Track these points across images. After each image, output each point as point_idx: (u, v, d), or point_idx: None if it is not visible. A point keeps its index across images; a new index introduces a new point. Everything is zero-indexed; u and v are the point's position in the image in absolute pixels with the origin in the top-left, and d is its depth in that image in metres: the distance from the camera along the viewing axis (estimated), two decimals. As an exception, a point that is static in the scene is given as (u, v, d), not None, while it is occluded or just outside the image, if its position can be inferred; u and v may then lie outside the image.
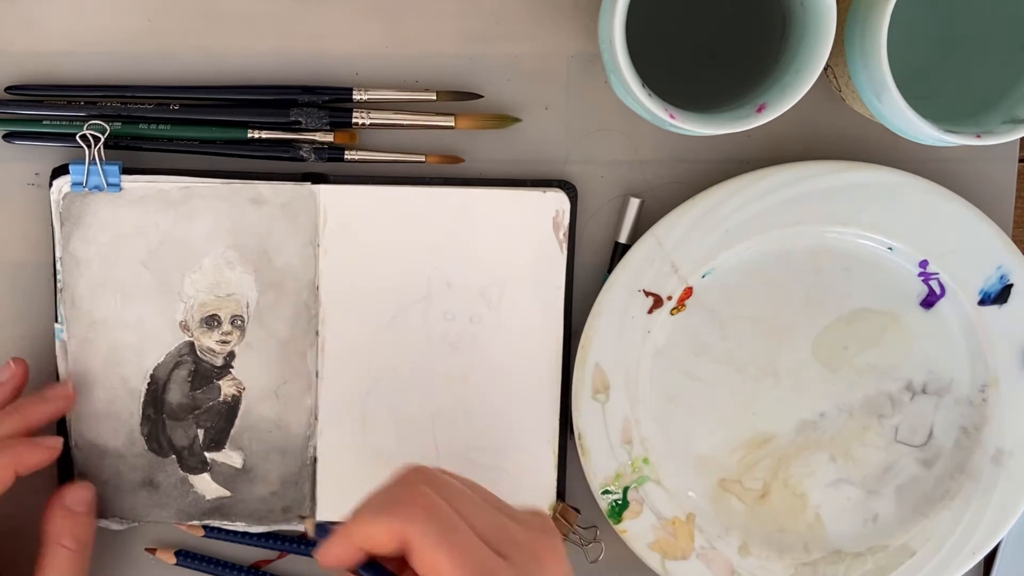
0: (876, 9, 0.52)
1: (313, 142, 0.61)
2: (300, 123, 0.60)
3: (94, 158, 0.59)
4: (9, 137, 0.61)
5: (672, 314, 0.62)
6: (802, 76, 0.53)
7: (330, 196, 0.61)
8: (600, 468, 0.62)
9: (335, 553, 0.47)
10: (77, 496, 0.59)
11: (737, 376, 0.63)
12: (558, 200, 0.62)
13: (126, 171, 0.60)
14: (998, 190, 0.64)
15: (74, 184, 0.59)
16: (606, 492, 0.62)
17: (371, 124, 0.61)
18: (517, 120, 0.62)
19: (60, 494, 0.59)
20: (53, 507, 0.59)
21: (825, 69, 0.58)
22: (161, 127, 0.60)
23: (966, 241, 0.61)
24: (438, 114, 0.61)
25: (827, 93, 0.62)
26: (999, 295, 0.62)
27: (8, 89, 0.61)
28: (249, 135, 0.61)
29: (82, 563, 0.58)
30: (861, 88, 0.55)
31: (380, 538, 0.46)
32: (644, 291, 0.61)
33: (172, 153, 0.61)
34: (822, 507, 0.64)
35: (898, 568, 0.63)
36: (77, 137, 0.59)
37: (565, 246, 0.62)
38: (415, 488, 0.48)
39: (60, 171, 0.60)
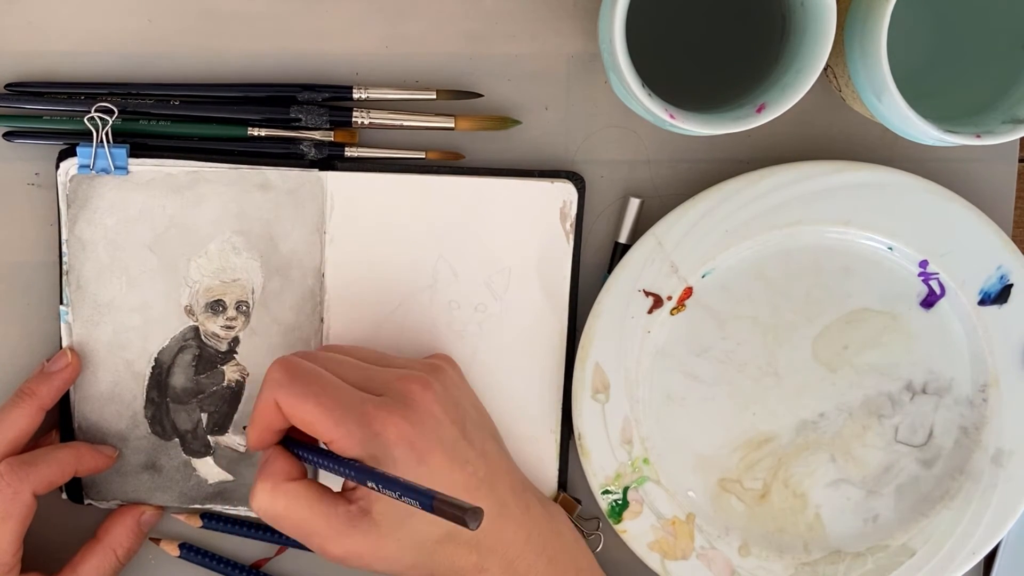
0: (876, 9, 0.52)
1: (313, 140, 0.61)
2: (300, 120, 0.60)
3: (102, 140, 0.59)
4: (9, 136, 0.60)
5: (672, 314, 0.62)
6: (802, 76, 0.53)
7: (337, 183, 0.61)
8: (600, 468, 0.62)
9: (252, 438, 0.55)
10: (149, 519, 0.62)
11: (737, 376, 0.63)
12: (566, 191, 0.62)
13: (133, 155, 0.60)
14: (998, 190, 0.64)
15: (81, 167, 0.59)
16: (606, 492, 0.62)
17: (371, 124, 0.61)
18: (517, 122, 0.62)
19: (137, 509, 0.62)
20: (124, 517, 0.62)
21: (825, 69, 0.58)
22: (161, 123, 0.60)
23: (966, 241, 0.61)
24: (438, 115, 0.61)
25: (827, 93, 0.62)
26: (999, 295, 0.62)
27: (8, 86, 0.61)
28: (249, 132, 0.61)
29: (116, 574, 0.61)
30: (861, 88, 0.55)
31: (268, 414, 0.53)
32: (644, 291, 0.61)
33: (172, 151, 0.61)
34: (822, 507, 0.64)
35: (898, 568, 0.63)
36: (85, 120, 0.59)
37: (572, 237, 0.62)
38: (278, 362, 0.54)
39: (67, 153, 0.60)
